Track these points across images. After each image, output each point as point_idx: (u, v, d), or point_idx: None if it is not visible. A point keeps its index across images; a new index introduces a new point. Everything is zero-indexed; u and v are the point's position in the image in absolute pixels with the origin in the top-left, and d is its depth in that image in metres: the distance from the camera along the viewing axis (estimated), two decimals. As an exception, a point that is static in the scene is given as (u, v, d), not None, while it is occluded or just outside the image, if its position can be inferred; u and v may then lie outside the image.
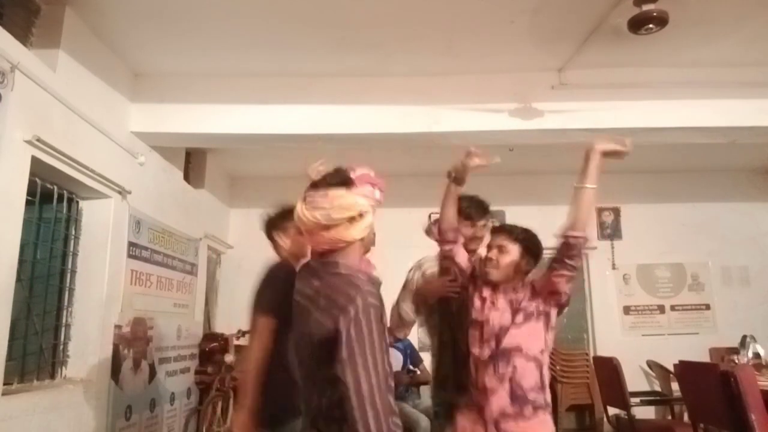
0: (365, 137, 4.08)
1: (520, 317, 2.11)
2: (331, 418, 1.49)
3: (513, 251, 2.17)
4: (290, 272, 1.83)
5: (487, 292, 2.22)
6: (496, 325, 2.13)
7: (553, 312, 2.14)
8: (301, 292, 1.65)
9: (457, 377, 2.26)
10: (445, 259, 2.36)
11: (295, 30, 3.46)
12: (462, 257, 2.32)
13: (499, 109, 3.96)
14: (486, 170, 2.27)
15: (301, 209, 1.61)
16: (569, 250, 2.01)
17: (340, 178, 1.61)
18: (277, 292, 2.04)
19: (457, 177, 2.28)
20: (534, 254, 2.20)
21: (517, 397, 2.04)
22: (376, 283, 1.58)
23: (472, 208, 2.48)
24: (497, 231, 2.27)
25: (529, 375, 2.07)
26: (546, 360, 2.13)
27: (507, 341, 2.10)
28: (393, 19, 3.35)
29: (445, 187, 2.31)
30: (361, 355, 1.44)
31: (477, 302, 2.22)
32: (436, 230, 2.34)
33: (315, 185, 1.62)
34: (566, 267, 2.03)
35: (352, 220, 1.57)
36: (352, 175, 1.61)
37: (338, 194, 1.57)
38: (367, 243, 1.68)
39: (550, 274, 2.07)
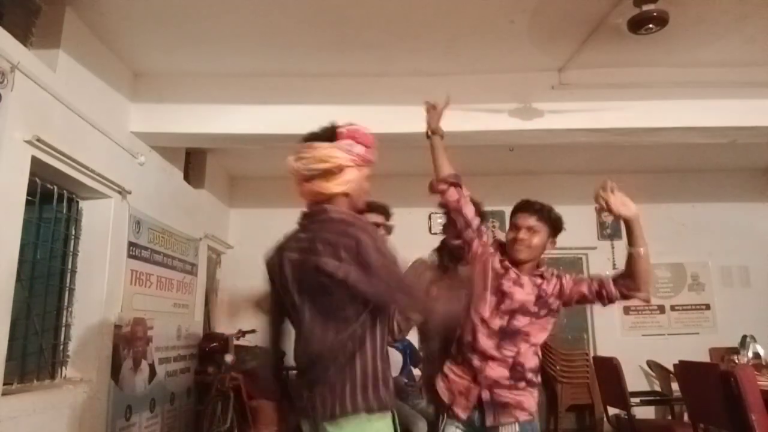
0: (365, 137, 4.07)
1: (543, 311, 2.13)
2: (343, 351, 1.53)
3: (542, 231, 2.16)
4: None
5: (508, 262, 2.19)
6: (517, 303, 2.12)
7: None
8: (290, 249, 1.65)
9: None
10: (453, 212, 2.26)
11: (295, 30, 3.46)
12: (469, 210, 2.23)
13: (499, 109, 3.96)
14: (441, 108, 2.33)
15: (289, 160, 1.66)
16: (624, 299, 2.08)
17: (327, 132, 1.64)
18: None
19: (433, 129, 2.30)
20: (557, 232, 2.21)
21: (516, 372, 2.08)
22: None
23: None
24: (524, 210, 2.21)
25: (529, 359, 2.11)
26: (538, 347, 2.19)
27: (520, 324, 2.10)
28: (393, 19, 3.35)
29: (430, 146, 2.29)
30: (392, 264, 1.55)
31: (498, 267, 2.18)
32: (435, 180, 2.26)
33: (306, 138, 1.67)
34: (612, 302, 2.10)
35: (328, 172, 1.60)
36: (340, 130, 1.64)
37: (318, 146, 1.61)
38: (355, 199, 1.68)
39: (590, 294, 2.10)
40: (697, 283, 6.15)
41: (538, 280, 2.16)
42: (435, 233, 5.95)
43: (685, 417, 4.12)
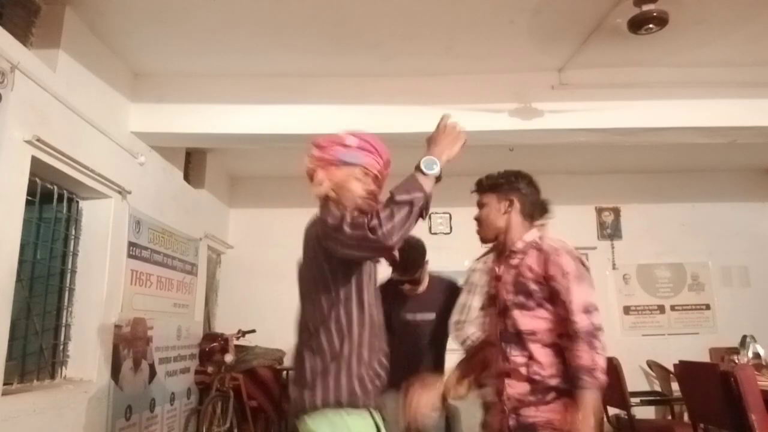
0: (365, 137, 4.07)
1: (532, 302, 1.86)
2: (317, 337, 1.60)
3: (489, 200, 2.03)
4: None
5: (495, 264, 2.03)
6: (503, 301, 1.90)
7: None
8: None
9: None
10: None
11: (294, 30, 3.46)
12: None
13: (499, 109, 3.96)
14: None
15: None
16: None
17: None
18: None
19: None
20: (511, 189, 2.01)
21: (536, 383, 1.82)
22: None
23: None
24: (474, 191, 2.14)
25: (548, 363, 1.82)
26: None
27: (521, 322, 1.85)
28: (393, 19, 3.35)
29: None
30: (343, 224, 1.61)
31: (488, 276, 2.07)
32: None
33: None
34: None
35: (308, 177, 1.73)
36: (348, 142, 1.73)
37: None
38: (339, 199, 1.68)
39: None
40: (697, 283, 6.14)
41: (514, 260, 1.93)
42: (435, 233, 5.95)
43: (685, 417, 4.13)
